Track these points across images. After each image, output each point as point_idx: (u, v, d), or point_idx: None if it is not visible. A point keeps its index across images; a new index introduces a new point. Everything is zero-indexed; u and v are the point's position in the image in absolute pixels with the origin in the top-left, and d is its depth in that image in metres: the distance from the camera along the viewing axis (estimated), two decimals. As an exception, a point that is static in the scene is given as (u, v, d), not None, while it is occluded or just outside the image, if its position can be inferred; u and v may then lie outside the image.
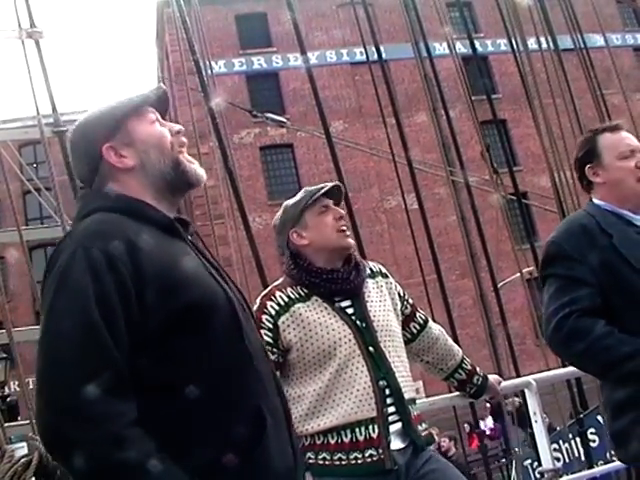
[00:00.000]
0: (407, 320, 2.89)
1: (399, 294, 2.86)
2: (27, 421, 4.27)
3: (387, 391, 2.54)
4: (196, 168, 1.80)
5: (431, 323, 2.98)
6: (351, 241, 2.74)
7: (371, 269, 2.83)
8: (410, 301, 2.92)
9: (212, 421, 1.55)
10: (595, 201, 2.66)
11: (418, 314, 2.94)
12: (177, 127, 1.82)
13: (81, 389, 1.41)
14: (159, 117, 1.82)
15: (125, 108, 1.77)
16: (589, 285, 2.43)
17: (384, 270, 2.88)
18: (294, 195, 2.81)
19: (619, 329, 2.36)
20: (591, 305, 2.40)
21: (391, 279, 2.87)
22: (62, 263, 1.55)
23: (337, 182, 2.82)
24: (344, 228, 2.72)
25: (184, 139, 1.82)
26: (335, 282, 2.63)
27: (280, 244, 2.77)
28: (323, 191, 2.72)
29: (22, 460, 2.25)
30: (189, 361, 1.56)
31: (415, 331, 2.91)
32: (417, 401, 2.75)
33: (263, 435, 1.59)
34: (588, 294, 2.42)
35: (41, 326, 1.54)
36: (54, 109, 5.26)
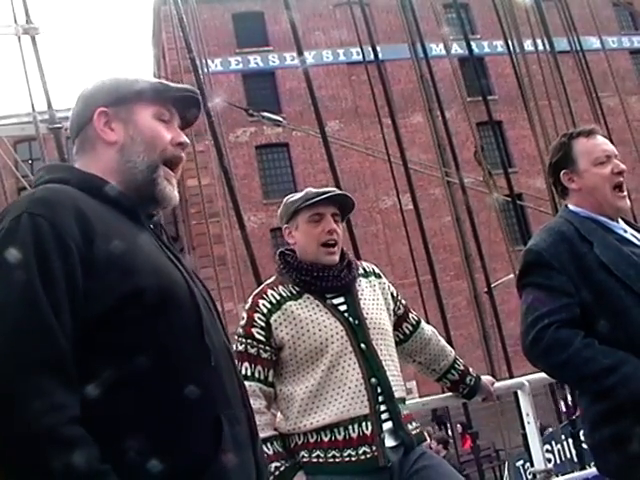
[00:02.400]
0: (400, 321, 2.88)
1: (392, 294, 2.86)
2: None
3: (378, 389, 2.53)
4: (168, 187, 1.60)
5: (424, 324, 2.98)
6: (333, 258, 2.66)
7: (364, 269, 2.82)
8: (403, 302, 2.92)
9: (162, 428, 1.35)
10: (571, 207, 2.60)
11: (411, 315, 2.94)
12: (183, 139, 1.65)
13: (21, 375, 1.23)
14: (174, 120, 1.66)
15: (145, 88, 1.62)
16: (568, 295, 2.38)
17: (377, 270, 2.88)
18: (289, 194, 2.81)
19: (598, 338, 2.33)
20: (570, 316, 2.36)
21: (384, 279, 2.87)
22: (3, 229, 1.35)
23: (344, 192, 2.75)
24: (331, 243, 2.66)
25: (183, 155, 1.65)
26: (326, 279, 2.63)
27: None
28: (320, 198, 2.65)
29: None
30: (137, 354, 1.35)
31: (408, 332, 2.91)
32: (410, 401, 2.75)
33: (219, 449, 1.40)
34: (567, 304, 2.37)
35: None
36: (50, 106, 5.26)
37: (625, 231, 2.54)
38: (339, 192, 2.74)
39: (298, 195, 2.74)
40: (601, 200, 2.54)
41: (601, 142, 2.62)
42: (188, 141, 1.66)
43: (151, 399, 1.35)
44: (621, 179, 2.56)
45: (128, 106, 1.61)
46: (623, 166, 2.58)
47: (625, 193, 2.58)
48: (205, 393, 1.41)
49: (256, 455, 1.54)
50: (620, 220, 2.59)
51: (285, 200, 2.77)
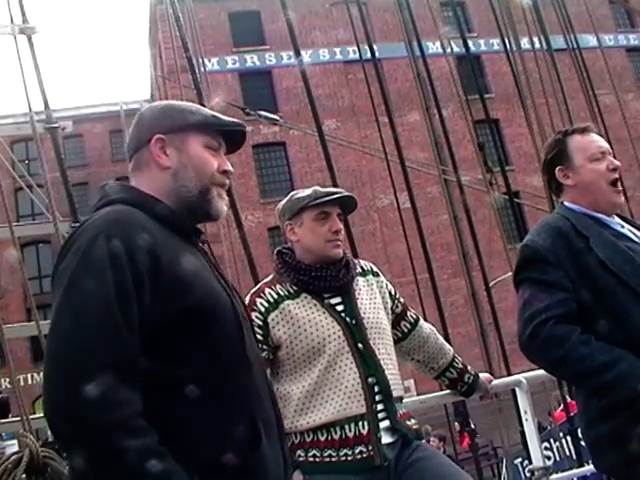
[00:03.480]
0: (398, 319, 2.89)
1: (390, 293, 2.86)
2: (18, 418, 4.25)
3: (376, 388, 2.54)
4: (221, 204, 1.81)
5: (422, 322, 2.98)
6: (339, 252, 2.69)
7: (362, 267, 2.83)
8: (401, 300, 2.92)
9: (211, 424, 1.56)
10: (567, 204, 2.61)
11: (409, 313, 2.94)
12: (228, 167, 1.83)
13: (96, 373, 1.42)
14: (222, 150, 1.85)
15: (198, 118, 1.81)
16: (565, 290, 2.38)
17: (375, 269, 2.88)
18: (287, 194, 2.81)
19: (595, 333, 2.33)
20: (567, 311, 2.36)
21: (382, 278, 2.87)
22: (83, 245, 1.54)
23: (351, 194, 2.75)
24: (338, 243, 2.69)
25: (227, 181, 1.84)
26: (324, 280, 2.63)
27: (281, 228, 2.81)
28: (329, 198, 2.67)
29: (13, 457, 2.25)
30: (190, 362, 1.56)
31: (406, 330, 2.92)
32: (408, 399, 2.75)
33: (261, 444, 1.61)
34: (564, 300, 2.37)
35: (57, 302, 1.52)
36: (46, 106, 5.24)
37: (622, 226, 2.55)
38: (347, 194, 2.75)
39: (305, 192, 2.73)
40: (597, 196, 2.55)
41: (596, 139, 2.63)
42: (232, 170, 1.85)
43: (201, 401, 1.54)
44: (616, 175, 2.57)
45: (182, 135, 1.79)
46: (617, 162, 2.59)
47: (620, 189, 2.59)
48: (246, 398, 1.65)
49: (283, 450, 1.76)
50: (615, 216, 2.60)
51: (290, 196, 2.77)
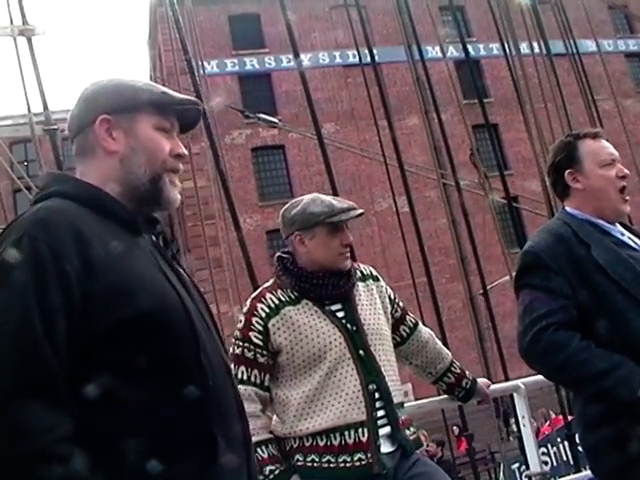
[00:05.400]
0: (397, 323, 2.88)
1: (390, 297, 2.85)
2: None
3: (377, 395, 2.53)
4: (173, 192, 1.65)
5: (421, 326, 2.98)
6: (348, 264, 2.69)
7: (362, 272, 2.82)
8: (401, 304, 2.91)
9: (155, 443, 1.40)
10: (569, 209, 2.60)
11: (408, 317, 2.93)
12: (181, 150, 1.67)
13: (12, 399, 1.28)
14: (174, 130, 1.68)
15: (148, 96, 1.64)
16: (565, 297, 2.39)
17: (375, 273, 2.87)
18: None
19: (594, 340, 2.34)
20: (567, 317, 2.37)
21: (382, 282, 2.87)
22: (5, 251, 1.39)
23: (362, 211, 2.73)
24: (347, 255, 2.68)
25: (180, 166, 1.67)
26: (325, 287, 2.62)
27: (283, 233, 2.77)
28: (347, 217, 2.66)
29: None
30: (130, 375, 1.40)
31: (405, 334, 2.91)
32: (405, 404, 2.75)
33: (214, 462, 1.46)
34: (564, 306, 2.38)
35: None
36: (45, 107, 5.24)
37: (622, 234, 2.55)
38: (361, 211, 2.72)
39: (319, 206, 2.66)
40: (604, 202, 2.55)
41: (607, 145, 2.63)
42: (186, 152, 1.69)
43: (147, 417, 1.40)
44: (624, 183, 2.58)
45: (130, 115, 1.62)
46: (627, 171, 2.60)
47: (627, 197, 2.59)
48: (201, 411, 1.47)
49: (249, 464, 1.59)
50: (617, 224, 2.60)
51: (304, 207, 2.68)
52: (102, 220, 1.51)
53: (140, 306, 1.43)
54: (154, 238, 1.66)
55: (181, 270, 1.66)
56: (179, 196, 1.67)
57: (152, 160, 1.61)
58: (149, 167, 1.61)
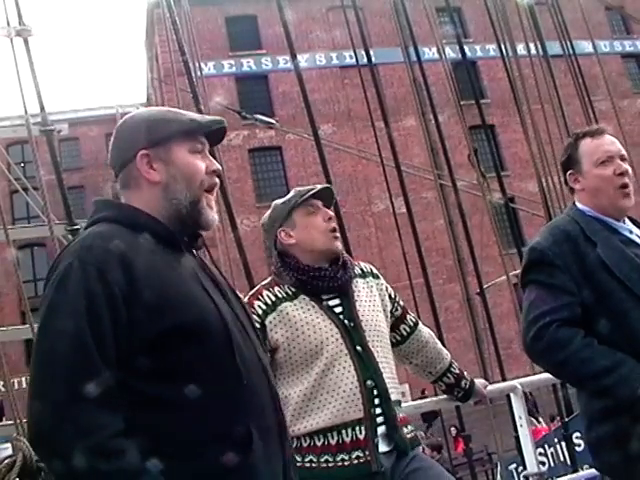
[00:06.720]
0: (397, 322, 2.88)
1: (390, 295, 2.85)
2: (12, 422, 4.22)
3: (375, 392, 2.53)
4: (211, 214, 1.82)
5: (421, 326, 2.98)
6: (339, 245, 2.72)
7: (362, 269, 2.82)
8: (401, 303, 2.91)
9: (196, 439, 1.58)
10: (579, 205, 2.62)
11: (408, 316, 2.93)
12: (216, 167, 1.84)
13: (70, 401, 1.48)
14: (206, 149, 1.85)
15: (179, 126, 1.81)
16: (570, 294, 2.40)
17: (375, 271, 2.87)
18: (283, 197, 2.81)
19: (598, 338, 2.35)
20: (571, 315, 2.38)
21: (382, 280, 2.86)
22: (59, 274, 1.60)
23: (328, 185, 2.81)
24: (334, 228, 2.71)
25: (217, 180, 1.85)
26: (322, 279, 2.62)
27: (268, 243, 2.78)
28: (313, 192, 2.71)
29: (6, 461, 2.23)
30: (176, 379, 1.59)
31: (405, 333, 2.91)
32: (403, 404, 2.75)
33: (249, 456, 1.61)
34: (569, 303, 2.40)
35: (35, 337, 1.60)
36: (42, 108, 5.23)
37: (631, 232, 2.56)
38: (326, 186, 2.80)
39: (287, 197, 2.76)
40: (603, 201, 2.56)
41: (605, 142, 2.62)
42: (220, 167, 1.86)
43: (188, 413, 1.58)
44: (625, 180, 2.57)
45: (166, 146, 1.79)
46: (626, 166, 2.59)
47: (629, 190, 2.58)
48: (236, 407, 1.65)
49: (285, 457, 1.76)
50: (627, 220, 2.60)
51: (273, 205, 2.78)
52: (145, 240, 1.69)
53: (179, 318, 1.61)
54: (195, 252, 1.83)
55: (220, 279, 1.85)
56: (217, 217, 1.84)
57: (191, 183, 1.78)
58: (189, 191, 1.77)
